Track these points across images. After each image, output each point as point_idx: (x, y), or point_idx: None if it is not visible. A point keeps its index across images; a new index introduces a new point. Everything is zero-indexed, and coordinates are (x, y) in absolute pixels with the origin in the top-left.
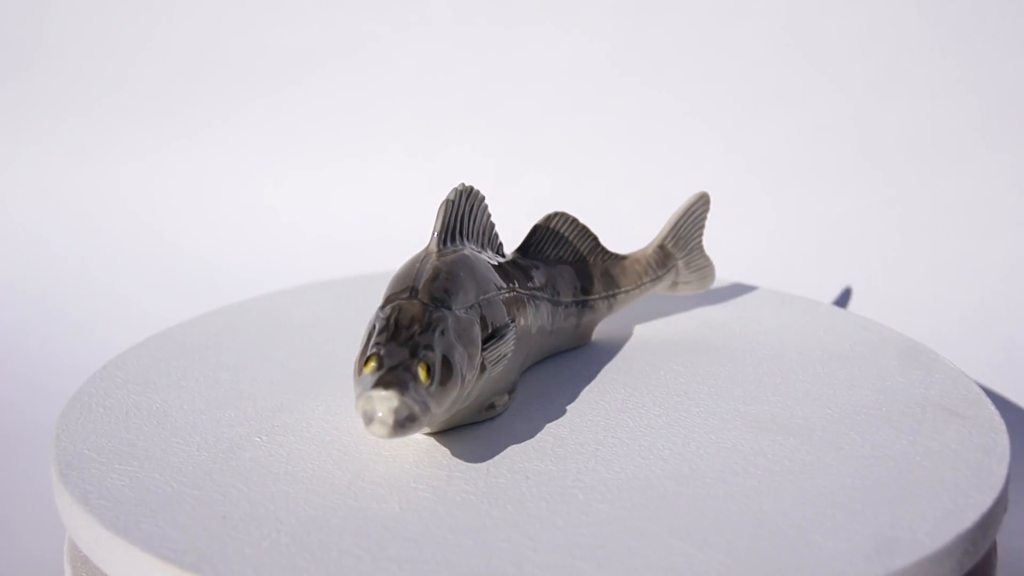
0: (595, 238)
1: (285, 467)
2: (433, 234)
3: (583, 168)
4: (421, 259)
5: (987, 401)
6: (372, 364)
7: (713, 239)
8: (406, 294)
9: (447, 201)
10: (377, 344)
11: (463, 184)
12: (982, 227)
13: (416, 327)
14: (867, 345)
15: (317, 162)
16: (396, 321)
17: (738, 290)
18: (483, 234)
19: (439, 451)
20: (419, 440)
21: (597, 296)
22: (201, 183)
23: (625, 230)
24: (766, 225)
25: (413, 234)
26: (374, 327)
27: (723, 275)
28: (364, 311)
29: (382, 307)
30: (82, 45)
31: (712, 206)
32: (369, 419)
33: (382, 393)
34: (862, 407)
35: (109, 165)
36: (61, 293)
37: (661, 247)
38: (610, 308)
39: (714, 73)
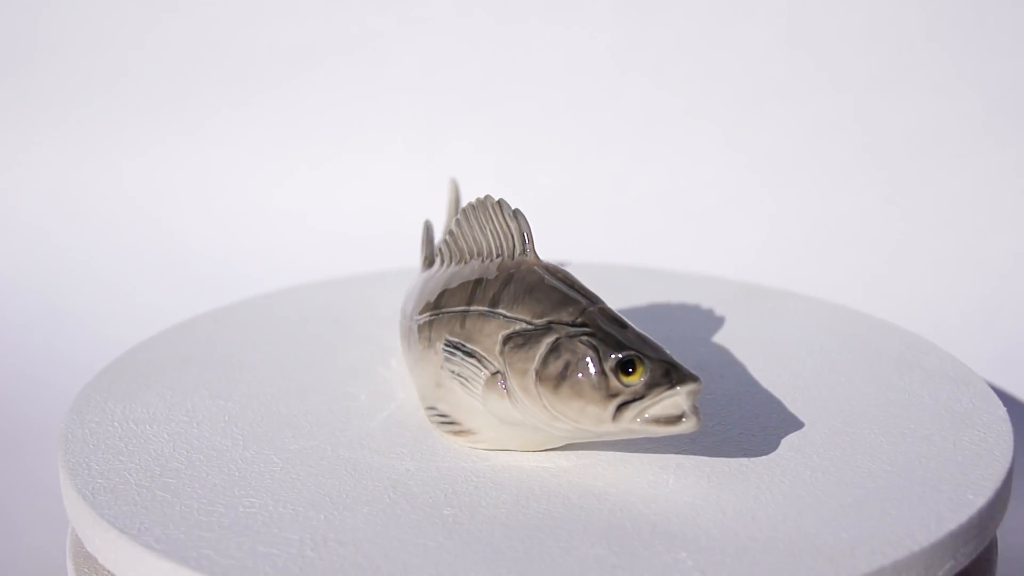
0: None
1: (294, 466)
2: (528, 246)
3: (584, 164)
4: (540, 270)
5: (992, 395)
6: (641, 368)
7: (714, 236)
8: (584, 302)
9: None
10: (624, 351)
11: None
12: (983, 223)
13: (625, 325)
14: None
15: (321, 158)
16: (607, 325)
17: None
18: None
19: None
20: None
21: None
22: (206, 179)
23: (623, 227)
24: (768, 221)
25: (417, 229)
26: (567, 342)
27: (723, 272)
28: (366, 309)
29: (571, 322)
30: (86, 40)
31: (714, 202)
32: (675, 419)
33: (690, 387)
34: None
35: (114, 161)
36: (66, 289)
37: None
38: None
39: (715, 70)
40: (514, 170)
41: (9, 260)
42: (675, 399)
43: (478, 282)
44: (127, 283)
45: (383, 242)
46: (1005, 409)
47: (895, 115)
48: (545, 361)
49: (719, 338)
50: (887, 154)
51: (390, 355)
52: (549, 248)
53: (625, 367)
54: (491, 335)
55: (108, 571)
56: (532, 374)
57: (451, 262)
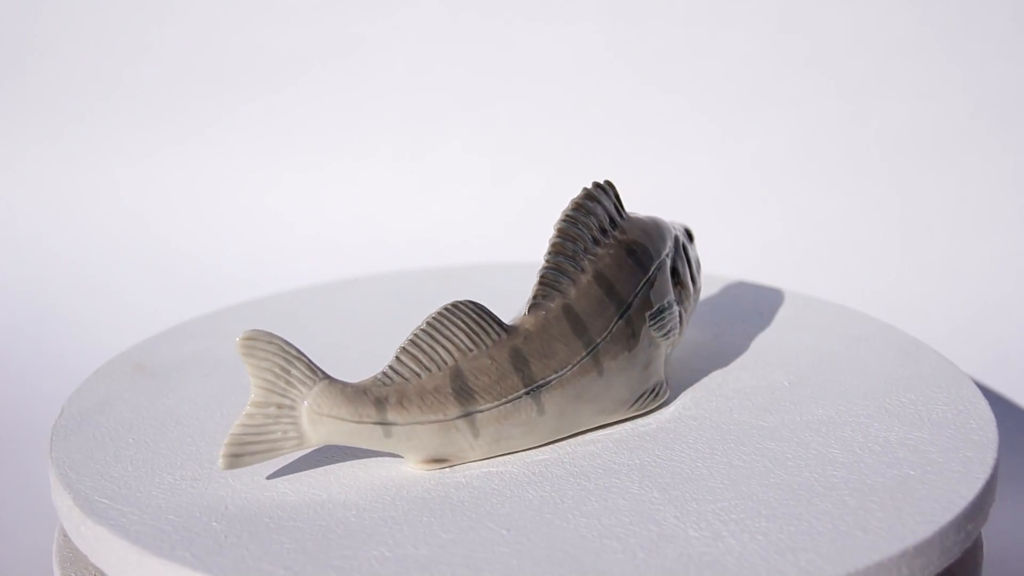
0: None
1: (288, 467)
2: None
3: (576, 167)
4: (630, 217)
5: (980, 394)
6: None
7: (709, 238)
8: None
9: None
10: None
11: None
12: (974, 227)
13: None
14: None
15: (312, 164)
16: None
17: None
18: None
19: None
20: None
21: None
22: (197, 185)
23: None
24: (760, 224)
25: (411, 234)
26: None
27: (719, 271)
28: (358, 315)
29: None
30: (79, 48)
31: (709, 205)
32: None
33: None
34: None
35: (106, 167)
36: (58, 293)
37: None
38: None
39: (708, 72)
40: (506, 172)
41: (3, 266)
42: None
43: (631, 253)
44: (118, 287)
45: (376, 248)
46: (991, 410)
47: (887, 118)
48: (689, 266)
49: (716, 338)
50: (878, 157)
51: (383, 360)
52: (544, 249)
53: None
54: (669, 277)
55: (95, 573)
56: (691, 279)
57: (570, 274)
